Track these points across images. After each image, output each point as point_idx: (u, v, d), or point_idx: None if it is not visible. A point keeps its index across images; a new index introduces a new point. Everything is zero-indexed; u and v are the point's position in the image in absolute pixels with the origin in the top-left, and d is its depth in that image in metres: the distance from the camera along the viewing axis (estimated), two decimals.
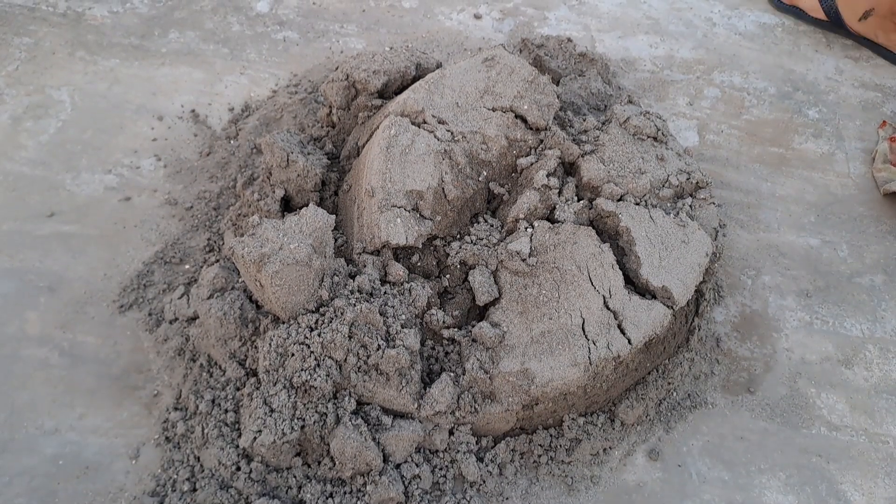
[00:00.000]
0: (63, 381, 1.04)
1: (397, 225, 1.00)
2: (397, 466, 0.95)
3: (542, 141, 1.13)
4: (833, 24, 1.59)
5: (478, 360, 0.95)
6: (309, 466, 0.95)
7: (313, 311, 0.94)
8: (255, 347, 0.99)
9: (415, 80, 1.23)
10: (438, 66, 1.28)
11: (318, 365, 0.91)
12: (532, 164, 1.10)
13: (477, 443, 1.00)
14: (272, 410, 0.91)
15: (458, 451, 0.97)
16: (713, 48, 1.56)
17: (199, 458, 0.96)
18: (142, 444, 0.99)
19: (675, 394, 1.07)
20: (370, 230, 1.01)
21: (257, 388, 0.94)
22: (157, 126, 1.33)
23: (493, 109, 1.13)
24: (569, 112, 1.24)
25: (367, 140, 1.15)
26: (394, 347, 0.92)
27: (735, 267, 1.22)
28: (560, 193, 1.07)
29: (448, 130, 1.09)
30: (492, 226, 1.06)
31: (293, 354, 0.91)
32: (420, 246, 1.02)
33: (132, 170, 1.27)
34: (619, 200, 1.06)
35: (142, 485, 0.96)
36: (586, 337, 0.96)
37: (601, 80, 1.36)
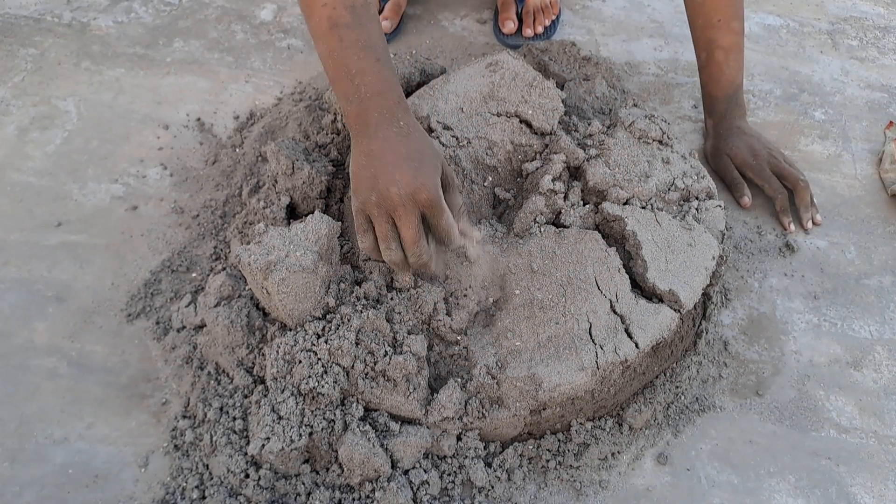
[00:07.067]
0: (71, 390, 1.04)
1: None
2: (405, 472, 0.95)
3: (547, 145, 1.13)
4: None
5: (485, 365, 0.95)
6: (317, 473, 0.95)
7: (320, 319, 0.95)
8: (263, 355, 0.99)
9: (419, 86, 1.23)
10: (443, 71, 1.28)
11: (326, 372, 0.91)
12: (537, 169, 1.10)
13: (485, 448, 0.99)
14: (280, 418, 0.91)
15: (467, 457, 0.97)
16: None
17: (207, 465, 0.96)
18: (151, 453, 0.99)
19: (683, 397, 1.07)
20: None
21: (265, 396, 0.95)
22: (163, 135, 1.34)
23: (498, 114, 1.13)
24: (573, 116, 1.24)
25: None
26: (401, 354, 0.93)
27: (742, 270, 1.22)
28: (566, 198, 1.07)
29: (453, 136, 1.09)
30: (497, 231, 1.06)
31: (300, 362, 0.91)
32: None
33: (138, 179, 1.27)
34: (624, 204, 1.06)
35: (151, 493, 0.96)
36: (593, 341, 0.96)
37: (605, 84, 1.36)
